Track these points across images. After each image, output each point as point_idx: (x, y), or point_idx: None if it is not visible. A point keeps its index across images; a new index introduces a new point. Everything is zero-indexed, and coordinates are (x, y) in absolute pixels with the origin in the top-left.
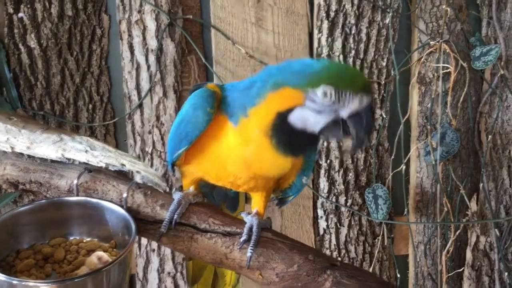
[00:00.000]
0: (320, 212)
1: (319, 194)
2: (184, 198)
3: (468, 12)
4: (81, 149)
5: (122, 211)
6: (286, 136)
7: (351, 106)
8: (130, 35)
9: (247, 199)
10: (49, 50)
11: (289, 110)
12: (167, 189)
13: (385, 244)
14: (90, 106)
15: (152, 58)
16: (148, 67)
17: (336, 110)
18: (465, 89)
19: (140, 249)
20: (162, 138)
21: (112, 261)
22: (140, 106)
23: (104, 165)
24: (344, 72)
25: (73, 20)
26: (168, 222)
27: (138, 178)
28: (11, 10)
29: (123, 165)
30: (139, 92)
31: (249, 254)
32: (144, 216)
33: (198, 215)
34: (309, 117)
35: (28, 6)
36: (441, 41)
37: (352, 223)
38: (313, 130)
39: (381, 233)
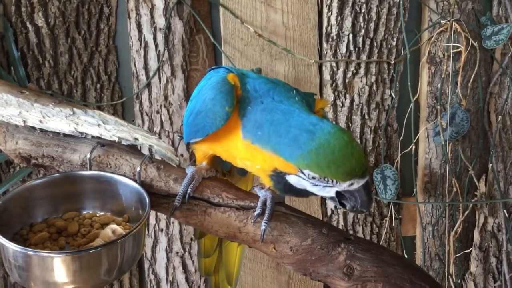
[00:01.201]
0: None
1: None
2: (197, 172)
3: None
4: (93, 123)
5: (135, 185)
6: (285, 186)
7: (342, 187)
8: (138, 14)
9: None
10: (56, 29)
11: (285, 173)
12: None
13: (393, 225)
14: (98, 85)
15: (160, 37)
16: (156, 46)
17: (329, 186)
18: (475, 69)
19: (148, 229)
20: (170, 118)
21: (127, 233)
22: (148, 85)
23: (117, 139)
24: (332, 159)
25: None
26: (181, 196)
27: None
28: None
29: (136, 139)
30: (147, 72)
31: (263, 227)
32: (157, 190)
33: (212, 189)
34: (305, 184)
35: None
36: (452, 20)
37: (351, 234)
38: (311, 192)
39: (389, 214)
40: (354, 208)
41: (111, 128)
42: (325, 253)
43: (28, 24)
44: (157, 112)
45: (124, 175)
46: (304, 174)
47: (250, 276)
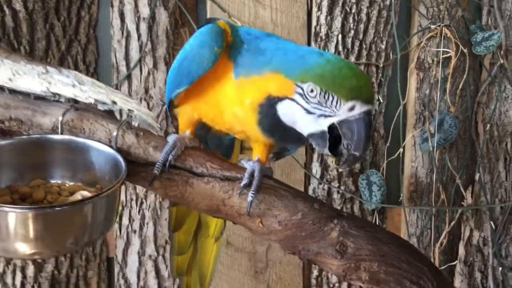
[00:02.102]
0: None
1: (312, 175)
2: (180, 140)
3: (469, 0)
4: (68, 83)
5: (111, 150)
6: (270, 124)
7: (340, 113)
8: (121, 2)
9: (242, 149)
10: (35, 14)
11: (279, 98)
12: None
13: None
14: None
15: (143, 26)
16: (139, 36)
17: (325, 114)
18: (464, 76)
19: (120, 230)
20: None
21: (99, 193)
22: (129, 77)
23: (93, 101)
24: (339, 73)
25: None
26: (161, 163)
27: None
28: None
29: (114, 102)
30: (127, 63)
31: (249, 199)
32: (135, 157)
33: (195, 158)
34: (296, 112)
35: None
36: (442, 25)
37: (344, 211)
38: (300, 129)
39: (373, 222)
40: (348, 151)
41: (87, 89)
42: (317, 229)
43: (5, 8)
44: (131, 97)
45: (99, 141)
46: (302, 93)
47: (227, 284)
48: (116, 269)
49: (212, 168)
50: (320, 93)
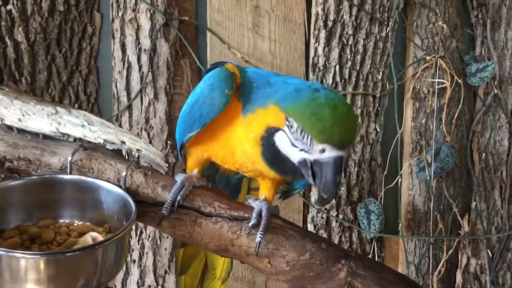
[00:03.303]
0: (310, 226)
1: (311, 204)
2: (188, 179)
3: (463, 31)
4: (77, 124)
5: (120, 191)
6: (271, 154)
7: (312, 153)
8: (123, 34)
9: (249, 190)
10: (36, 45)
11: (275, 129)
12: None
13: None
14: (76, 105)
15: (144, 58)
16: (140, 67)
17: (304, 150)
18: (460, 106)
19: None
20: (150, 142)
21: (110, 237)
22: (129, 107)
23: (102, 141)
24: (317, 113)
25: (64, 16)
26: (170, 203)
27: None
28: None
29: (123, 142)
30: (128, 93)
31: (258, 239)
32: (143, 197)
33: (203, 198)
34: (286, 143)
35: None
36: (437, 56)
37: (343, 239)
38: (291, 159)
39: (371, 251)
40: (319, 191)
41: (97, 130)
42: (325, 269)
43: (7, 39)
44: (137, 135)
45: (107, 181)
46: (288, 125)
47: None
48: None
49: (220, 208)
50: (297, 129)
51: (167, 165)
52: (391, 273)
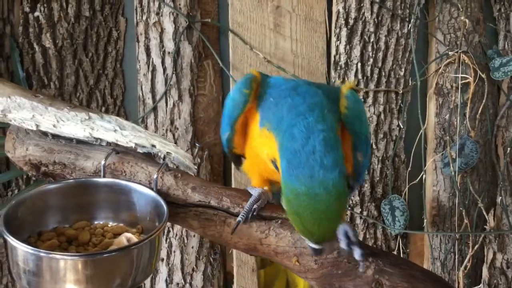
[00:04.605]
0: None
1: None
2: (264, 194)
3: (485, 25)
4: (109, 128)
5: (151, 193)
6: None
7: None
8: (147, 37)
9: None
10: (64, 50)
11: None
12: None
13: None
14: (103, 108)
15: (168, 60)
16: (164, 69)
17: None
18: (483, 101)
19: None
20: (176, 142)
21: (145, 238)
22: (155, 109)
23: (133, 145)
24: (298, 216)
25: (89, 21)
26: (247, 212)
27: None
28: (27, 9)
29: (153, 145)
30: (153, 96)
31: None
32: (174, 199)
33: (232, 198)
34: None
35: (45, 5)
36: (460, 51)
37: (367, 236)
38: None
39: (396, 248)
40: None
41: (128, 134)
42: (352, 267)
43: (35, 45)
44: (163, 136)
45: (139, 183)
46: None
47: None
48: None
49: None
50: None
51: (196, 167)
52: (417, 269)
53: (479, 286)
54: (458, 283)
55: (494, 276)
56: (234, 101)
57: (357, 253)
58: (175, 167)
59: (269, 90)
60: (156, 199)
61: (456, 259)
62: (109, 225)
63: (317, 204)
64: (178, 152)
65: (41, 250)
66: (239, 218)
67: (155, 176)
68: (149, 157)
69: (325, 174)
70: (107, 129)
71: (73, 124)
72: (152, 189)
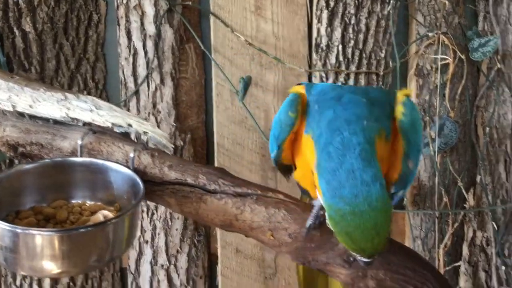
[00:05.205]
0: None
1: None
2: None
3: (465, 6)
4: (86, 108)
5: (128, 171)
6: None
7: None
8: (127, 21)
9: None
10: (44, 35)
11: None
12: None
13: None
14: (85, 92)
15: (149, 44)
16: (146, 53)
17: None
18: (463, 82)
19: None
20: (158, 126)
21: (120, 214)
22: (137, 93)
23: (110, 125)
24: (348, 236)
25: (70, 5)
26: (314, 217)
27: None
28: None
29: (129, 125)
30: (135, 79)
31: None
32: (151, 177)
33: (208, 176)
34: None
35: None
36: (439, 32)
37: None
38: None
39: None
40: None
41: (104, 114)
42: (325, 240)
43: (15, 29)
44: (145, 120)
45: (116, 162)
46: None
47: None
48: (130, 279)
49: (224, 184)
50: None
51: (173, 146)
52: (390, 243)
53: (459, 263)
54: (439, 260)
55: (474, 254)
56: (280, 123)
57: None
58: (154, 146)
59: (315, 98)
60: (133, 178)
61: (437, 238)
62: (87, 204)
63: (365, 221)
64: (155, 132)
65: (18, 227)
66: (309, 223)
67: (131, 155)
68: (127, 136)
69: (368, 190)
70: (83, 109)
71: (49, 104)
72: (129, 168)
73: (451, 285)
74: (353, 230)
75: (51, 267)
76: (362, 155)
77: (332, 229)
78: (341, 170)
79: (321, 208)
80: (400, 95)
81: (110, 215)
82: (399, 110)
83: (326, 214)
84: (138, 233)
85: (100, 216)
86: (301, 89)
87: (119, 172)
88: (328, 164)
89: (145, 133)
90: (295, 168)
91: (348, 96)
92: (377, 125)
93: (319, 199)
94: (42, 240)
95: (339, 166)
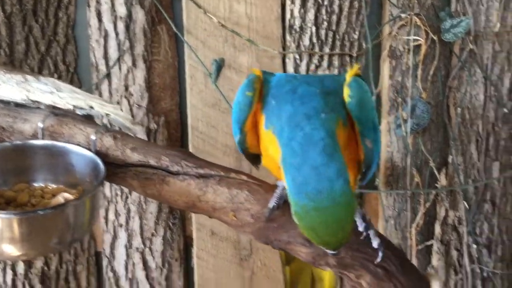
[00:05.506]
0: None
1: None
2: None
3: None
4: (46, 91)
5: (90, 154)
6: None
7: None
8: (98, 2)
9: None
10: (13, 17)
11: None
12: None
13: None
14: (56, 75)
15: (121, 25)
16: (117, 35)
17: None
18: (435, 63)
19: (107, 224)
20: (131, 109)
21: (79, 197)
22: (108, 76)
23: (71, 107)
24: (311, 230)
25: None
26: (278, 198)
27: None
28: None
29: (91, 107)
30: (107, 62)
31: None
32: (113, 159)
33: (171, 158)
34: None
35: None
36: (412, 14)
37: None
38: None
39: None
40: None
41: (65, 96)
42: (286, 220)
43: None
44: (117, 103)
45: (78, 145)
46: None
47: (213, 273)
48: (105, 262)
49: (187, 166)
50: None
51: (136, 128)
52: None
53: (431, 242)
54: (411, 239)
55: (446, 233)
56: (239, 105)
57: (375, 242)
58: (119, 128)
59: (271, 91)
60: (94, 160)
61: (409, 217)
62: (49, 187)
63: (329, 217)
64: (117, 113)
65: None
66: (272, 204)
67: (93, 137)
68: (90, 119)
69: (331, 186)
70: (44, 91)
71: (9, 86)
72: (90, 150)
73: (411, 262)
74: (317, 225)
75: (11, 250)
76: (325, 150)
77: (296, 222)
78: (305, 166)
79: (284, 188)
80: (348, 77)
81: (71, 197)
82: (346, 93)
83: (292, 209)
84: (100, 215)
85: (60, 198)
86: (258, 73)
87: (81, 154)
88: (293, 160)
89: (107, 115)
90: (261, 156)
91: (303, 89)
92: (334, 115)
93: (283, 182)
94: (1, 222)
95: (303, 162)
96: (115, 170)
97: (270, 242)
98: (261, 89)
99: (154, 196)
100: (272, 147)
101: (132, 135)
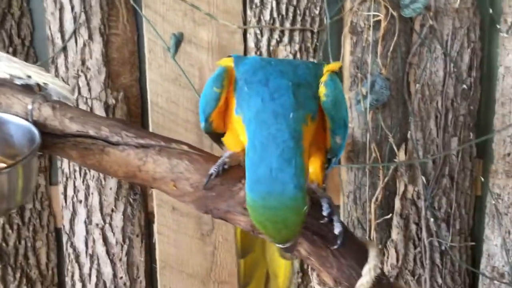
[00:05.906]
0: None
1: None
2: (235, 155)
3: None
4: None
5: (27, 124)
6: None
7: None
8: None
9: None
10: None
11: None
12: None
13: None
14: (11, 49)
15: None
16: (72, 7)
17: None
18: (395, 39)
19: (66, 200)
20: (88, 84)
21: (11, 165)
22: (64, 49)
23: (8, 76)
24: (259, 223)
25: None
26: (218, 165)
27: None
28: None
29: (29, 76)
30: (62, 35)
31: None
32: (51, 129)
33: (111, 128)
34: None
35: None
36: None
37: None
38: None
39: None
40: None
41: (2, 65)
42: (225, 189)
43: None
44: (74, 78)
45: (16, 115)
46: None
47: (175, 248)
48: (64, 238)
49: (127, 136)
50: None
51: (74, 97)
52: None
53: (390, 216)
54: (370, 213)
55: (405, 207)
56: (206, 98)
57: (337, 229)
58: (59, 98)
59: (244, 77)
60: (31, 130)
61: (368, 192)
62: None
63: (275, 217)
64: (55, 83)
65: None
66: (211, 171)
67: (30, 107)
68: (29, 89)
69: (282, 189)
70: None
71: None
72: (28, 120)
73: (350, 231)
74: (264, 221)
75: None
76: (284, 154)
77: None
78: (262, 165)
79: (228, 157)
80: (325, 72)
81: (3, 166)
82: (322, 92)
83: (246, 198)
84: (59, 191)
85: None
86: (229, 62)
87: (18, 125)
88: (252, 156)
89: (45, 84)
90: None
91: (275, 82)
92: (303, 112)
93: (229, 151)
94: None
95: (261, 161)
96: (53, 140)
97: (210, 211)
98: (231, 80)
99: (94, 167)
100: (241, 133)
101: (71, 104)
